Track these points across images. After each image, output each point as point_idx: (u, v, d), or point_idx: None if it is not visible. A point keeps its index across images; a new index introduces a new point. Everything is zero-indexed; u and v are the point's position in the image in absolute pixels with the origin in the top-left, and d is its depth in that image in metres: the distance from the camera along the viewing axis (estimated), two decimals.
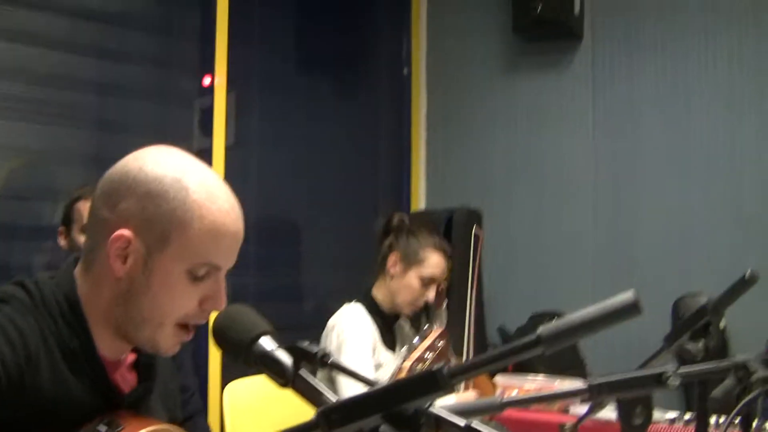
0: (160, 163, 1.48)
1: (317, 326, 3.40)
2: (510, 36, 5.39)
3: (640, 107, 5.01)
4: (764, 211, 4.56)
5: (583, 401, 1.52)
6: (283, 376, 1.28)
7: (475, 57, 5.62)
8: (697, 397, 1.94)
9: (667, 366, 1.45)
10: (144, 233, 1.45)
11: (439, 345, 2.71)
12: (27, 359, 1.39)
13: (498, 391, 3.23)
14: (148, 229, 1.45)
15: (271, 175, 4.84)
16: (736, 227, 4.64)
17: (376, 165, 5.69)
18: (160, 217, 1.45)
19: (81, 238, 2.87)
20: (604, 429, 2.72)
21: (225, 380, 3.57)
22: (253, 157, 4.76)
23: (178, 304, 1.48)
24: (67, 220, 3.02)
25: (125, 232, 1.44)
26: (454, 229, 4.97)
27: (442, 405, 1.09)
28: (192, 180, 1.47)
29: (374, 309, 3.36)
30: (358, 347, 3.18)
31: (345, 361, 2.99)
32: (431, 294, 3.34)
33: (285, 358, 1.29)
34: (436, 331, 2.77)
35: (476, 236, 3.51)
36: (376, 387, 1.05)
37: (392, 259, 3.35)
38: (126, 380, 1.59)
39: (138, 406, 1.57)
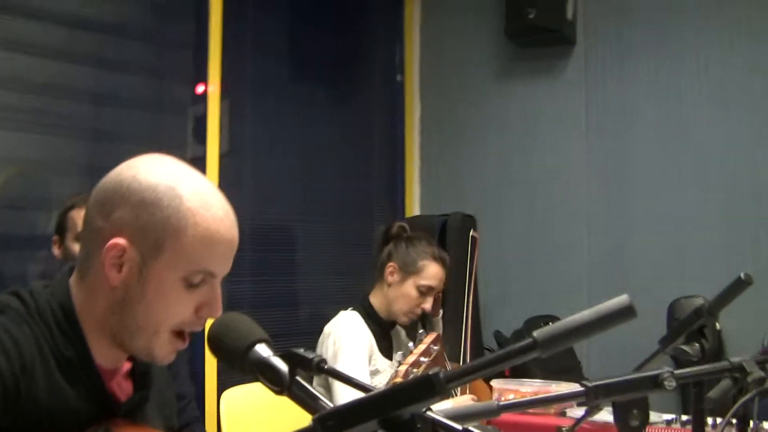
0: (153, 171, 1.48)
1: (313, 333, 3.40)
2: (503, 41, 5.40)
3: (633, 111, 5.02)
4: (758, 214, 4.57)
5: (579, 404, 1.52)
6: (278, 384, 1.28)
7: (469, 62, 5.62)
8: (693, 399, 1.94)
9: (663, 368, 1.45)
10: (138, 241, 1.45)
11: (433, 350, 2.71)
12: (22, 369, 1.39)
13: (495, 395, 3.23)
14: (142, 238, 1.45)
15: (265, 181, 4.84)
16: (729, 230, 4.65)
17: (371, 171, 5.70)
18: (154, 225, 1.44)
19: (75, 247, 2.87)
20: (602, 431, 2.72)
21: (222, 387, 3.56)
22: (247, 164, 4.76)
23: (174, 312, 1.48)
24: (61, 229, 3.02)
25: (120, 240, 1.44)
26: (448, 234, 4.97)
27: (439, 409, 1.09)
28: (186, 188, 1.47)
29: (371, 316, 3.36)
30: (353, 355, 3.18)
31: (340, 368, 2.99)
32: (428, 304, 3.35)
33: (281, 365, 1.29)
34: (430, 336, 2.77)
35: (473, 239, 3.51)
36: (372, 393, 1.05)
37: (390, 267, 3.36)
38: (122, 389, 1.59)
39: (134, 414, 1.57)
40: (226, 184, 4.28)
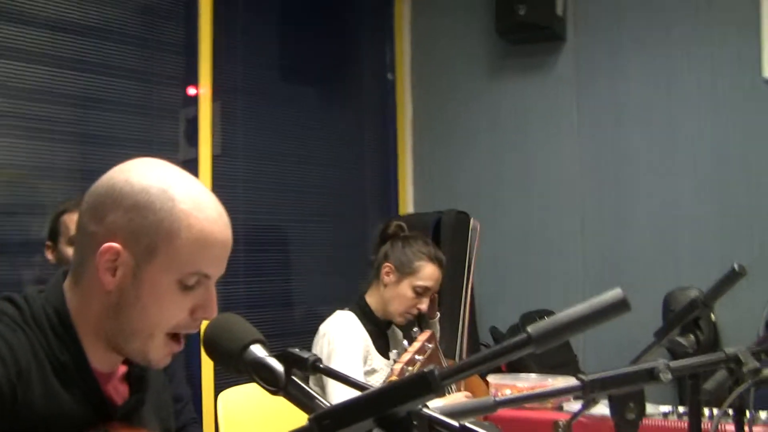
0: (145, 174, 1.48)
1: (307, 332, 3.40)
2: (494, 39, 5.40)
3: (625, 107, 5.03)
4: (750, 206, 4.59)
5: (576, 398, 1.52)
6: (274, 384, 1.28)
7: (460, 60, 5.63)
8: (689, 391, 1.94)
9: (659, 361, 1.45)
10: (132, 245, 1.45)
11: (428, 347, 2.71)
12: (18, 375, 1.39)
13: (491, 391, 3.23)
14: (136, 241, 1.45)
15: (258, 182, 4.84)
16: (723, 222, 4.66)
17: (364, 170, 5.70)
18: (147, 229, 1.44)
19: (68, 251, 2.86)
20: (599, 425, 2.72)
21: (218, 388, 3.56)
22: (240, 166, 4.76)
23: (169, 315, 1.48)
24: (54, 234, 3.01)
25: (114, 244, 1.44)
26: (443, 232, 4.98)
27: (435, 407, 1.09)
28: (178, 190, 1.47)
29: (367, 315, 3.36)
30: (347, 355, 3.18)
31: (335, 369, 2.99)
32: (424, 304, 3.34)
33: (276, 365, 1.29)
34: (425, 334, 2.78)
35: (473, 229, 3.47)
36: (368, 391, 1.05)
37: (386, 268, 3.35)
38: (118, 392, 1.59)
39: (131, 417, 1.57)
40: (219, 186, 4.29)
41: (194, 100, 4.42)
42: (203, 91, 4.42)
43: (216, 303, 1.51)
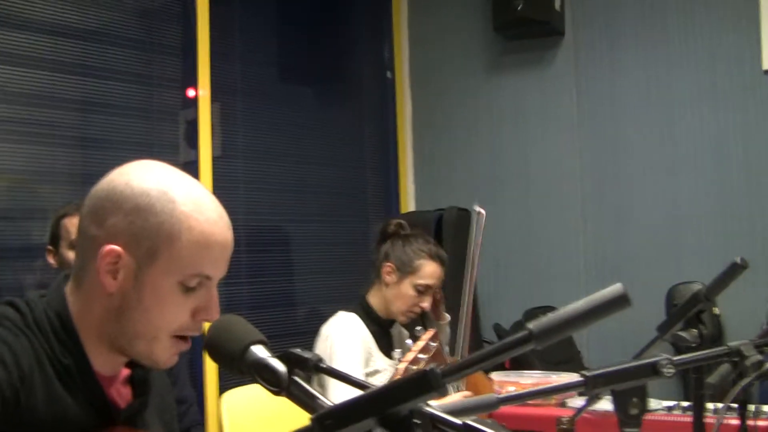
0: (145, 177, 1.48)
1: (310, 333, 3.40)
2: (491, 35, 5.40)
3: (624, 101, 5.03)
4: (751, 199, 4.58)
5: (580, 394, 1.52)
6: (277, 384, 1.28)
7: (458, 57, 5.62)
8: (692, 385, 1.95)
9: (661, 355, 1.45)
10: (133, 248, 1.44)
11: (432, 346, 2.71)
12: (21, 379, 1.38)
13: (495, 388, 3.23)
14: (137, 244, 1.44)
15: (259, 183, 4.84)
16: (724, 215, 4.66)
17: (364, 169, 5.70)
18: (148, 231, 1.44)
19: (70, 255, 2.87)
20: (602, 420, 2.72)
21: (222, 390, 3.56)
22: (240, 167, 4.76)
23: (171, 317, 1.47)
24: (55, 238, 3.01)
25: (114, 247, 1.44)
26: (444, 229, 4.98)
27: (437, 405, 1.09)
28: (179, 192, 1.47)
29: (370, 315, 3.35)
30: (348, 358, 3.17)
31: None
32: (426, 302, 3.32)
33: (278, 366, 1.29)
34: (428, 333, 2.77)
35: (478, 214, 3.41)
36: (370, 390, 1.05)
37: (387, 267, 3.33)
38: (121, 395, 1.59)
39: (134, 421, 1.57)
40: (219, 187, 4.29)
41: (193, 102, 4.42)
42: (202, 92, 4.43)
43: (218, 304, 1.51)
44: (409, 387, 1.01)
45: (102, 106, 4.05)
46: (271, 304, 4.80)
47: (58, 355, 1.45)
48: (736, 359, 1.74)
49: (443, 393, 1.03)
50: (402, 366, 2.55)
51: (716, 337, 4.37)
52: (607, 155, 5.07)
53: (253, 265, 4.71)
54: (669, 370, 1.43)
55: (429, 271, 3.31)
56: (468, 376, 3.15)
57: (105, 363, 1.52)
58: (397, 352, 2.78)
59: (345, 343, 3.21)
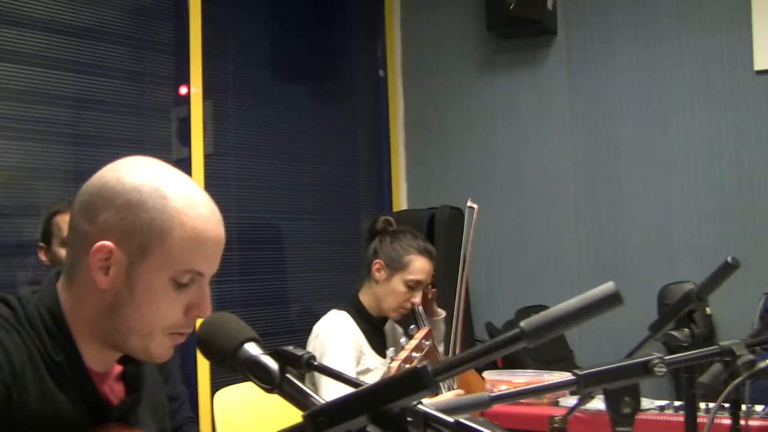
0: (137, 173, 1.47)
1: (302, 330, 3.40)
2: (484, 34, 5.40)
3: (617, 100, 5.03)
4: (744, 199, 4.59)
5: (573, 393, 1.52)
6: (269, 382, 1.28)
7: (450, 56, 5.62)
8: (684, 384, 1.95)
9: (653, 355, 1.45)
10: (125, 244, 1.44)
11: (425, 345, 2.71)
12: (13, 376, 1.38)
13: (487, 387, 3.23)
14: (128, 240, 1.44)
15: (251, 180, 4.84)
16: (717, 215, 4.67)
17: (357, 168, 5.70)
18: (140, 227, 1.44)
19: (62, 252, 2.86)
20: (595, 419, 2.73)
21: (215, 388, 3.56)
22: (233, 164, 4.76)
23: (164, 313, 1.47)
24: (46, 236, 3.00)
25: (106, 243, 1.43)
26: (436, 228, 4.98)
27: (429, 402, 1.08)
28: (170, 188, 1.46)
29: (361, 314, 3.35)
30: (338, 356, 3.17)
31: None
32: (417, 298, 3.32)
33: (270, 363, 1.29)
34: (422, 332, 2.77)
35: (470, 208, 3.41)
36: (362, 388, 1.05)
37: (377, 264, 3.34)
38: (114, 392, 1.58)
39: (127, 417, 1.57)
40: (211, 185, 4.28)
41: (186, 99, 4.42)
42: (195, 90, 4.42)
43: (210, 301, 1.50)
44: (401, 385, 1.01)
45: (95, 103, 4.04)
46: (263, 301, 4.80)
47: (50, 351, 1.45)
48: (727, 359, 1.74)
49: (435, 391, 1.03)
50: (395, 364, 2.55)
51: (708, 336, 4.37)
52: (599, 154, 5.08)
53: (245, 263, 4.70)
54: (661, 370, 1.43)
55: (418, 266, 3.32)
56: (461, 374, 3.16)
57: (97, 359, 1.52)
58: (390, 351, 2.78)
59: (336, 342, 3.21)
